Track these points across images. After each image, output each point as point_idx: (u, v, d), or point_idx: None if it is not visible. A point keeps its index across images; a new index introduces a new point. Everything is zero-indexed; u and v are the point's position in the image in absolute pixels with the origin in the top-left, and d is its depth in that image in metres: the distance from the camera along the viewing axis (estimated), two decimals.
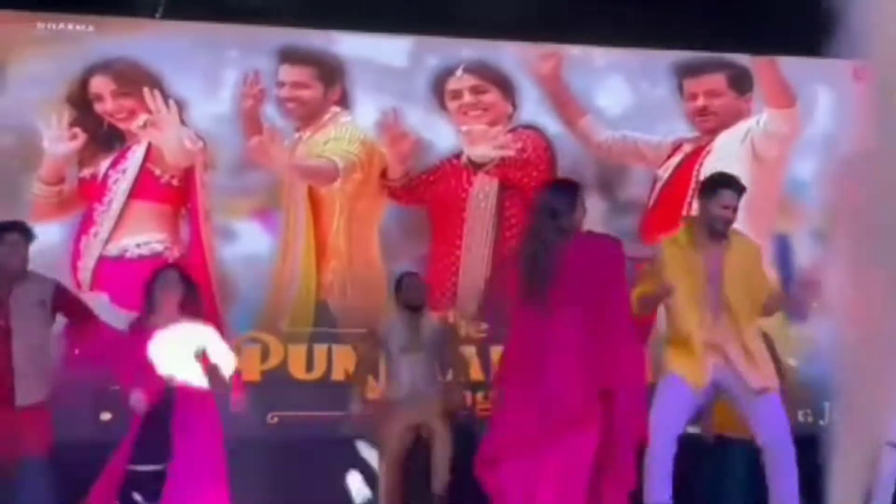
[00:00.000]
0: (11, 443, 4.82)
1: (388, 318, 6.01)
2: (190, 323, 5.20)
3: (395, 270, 6.68)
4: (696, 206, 5.11)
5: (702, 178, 5.18)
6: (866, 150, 7.43)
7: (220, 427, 5.23)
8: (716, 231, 4.76)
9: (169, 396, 5.10)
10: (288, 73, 6.98)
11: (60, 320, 5.30)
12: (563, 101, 7.34)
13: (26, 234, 5.07)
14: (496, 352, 6.82)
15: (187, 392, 5.09)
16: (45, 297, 5.03)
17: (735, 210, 4.78)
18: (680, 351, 4.61)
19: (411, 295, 5.97)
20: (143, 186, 6.72)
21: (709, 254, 4.68)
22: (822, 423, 6.97)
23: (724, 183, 4.87)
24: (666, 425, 4.49)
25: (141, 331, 5.20)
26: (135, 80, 6.76)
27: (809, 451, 5.81)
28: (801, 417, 6.87)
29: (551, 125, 7.30)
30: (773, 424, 4.63)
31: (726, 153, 7.45)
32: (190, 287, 5.40)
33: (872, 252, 7.37)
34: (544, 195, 4.62)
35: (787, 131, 7.57)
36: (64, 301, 5.18)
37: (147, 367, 5.06)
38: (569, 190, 4.63)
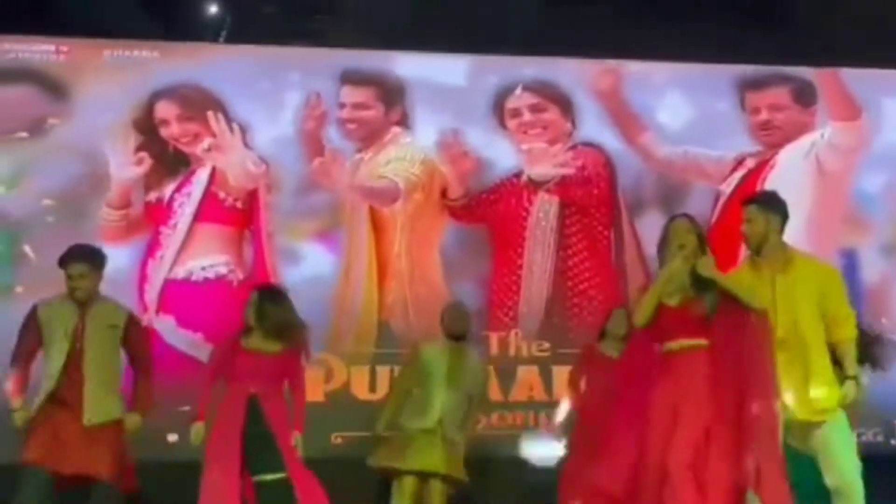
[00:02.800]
0: (81, 459, 4.87)
1: (432, 347, 5.75)
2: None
3: (456, 289, 6.70)
4: None
5: None
6: None
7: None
8: (748, 249, 4.65)
9: (254, 406, 5.15)
10: (349, 94, 7.05)
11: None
12: (623, 118, 7.31)
13: (94, 261, 5.08)
14: (558, 371, 6.82)
15: (271, 404, 5.17)
16: (118, 322, 5.08)
17: (759, 224, 4.55)
18: None
19: (453, 325, 5.71)
20: (208, 209, 6.82)
21: (775, 279, 4.55)
22: (893, 442, 6.86)
23: (748, 199, 4.75)
24: None
25: (234, 347, 5.24)
26: (199, 104, 6.88)
27: (881, 471, 5.80)
28: (871, 437, 6.76)
29: (611, 142, 7.27)
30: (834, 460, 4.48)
31: (790, 167, 7.36)
32: None
33: None
34: None
35: (853, 144, 7.46)
36: (134, 334, 5.16)
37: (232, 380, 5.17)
38: None
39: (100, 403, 4.91)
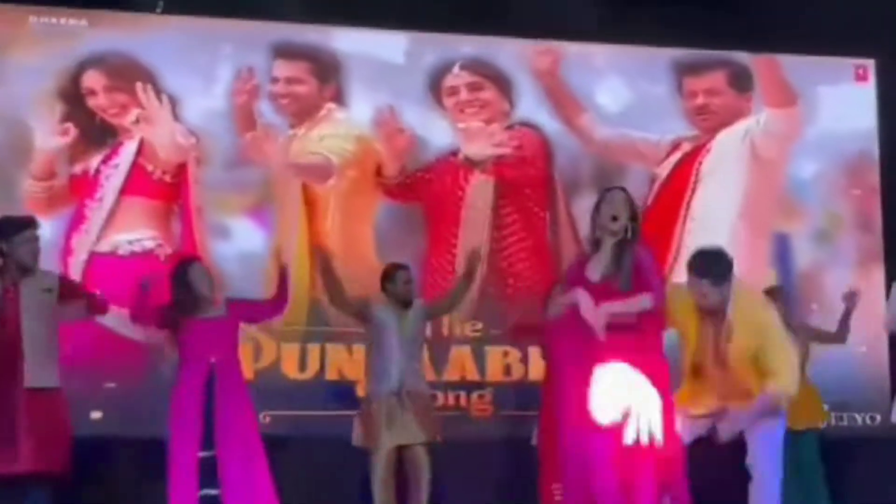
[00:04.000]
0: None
1: (377, 311, 5.76)
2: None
3: None
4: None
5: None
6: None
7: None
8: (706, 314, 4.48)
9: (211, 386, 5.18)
10: (282, 68, 6.92)
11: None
12: (562, 99, 7.28)
13: (38, 228, 5.12)
14: (491, 351, 6.79)
15: (226, 379, 5.19)
16: (52, 286, 5.05)
17: (716, 296, 4.36)
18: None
19: (405, 290, 5.77)
20: (136, 182, 6.65)
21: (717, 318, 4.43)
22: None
23: (696, 271, 4.43)
24: None
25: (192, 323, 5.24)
26: (128, 74, 6.70)
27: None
28: None
29: (549, 123, 7.23)
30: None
31: (725, 152, 7.42)
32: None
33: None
34: None
35: (788, 131, 7.52)
36: (69, 287, 5.22)
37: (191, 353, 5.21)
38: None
39: (38, 370, 4.87)
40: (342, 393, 6.51)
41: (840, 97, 7.59)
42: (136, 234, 6.60)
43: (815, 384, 6.11)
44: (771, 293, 5.69)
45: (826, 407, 6.58)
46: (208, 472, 5.07)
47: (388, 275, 5.83)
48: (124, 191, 6.63)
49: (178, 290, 5.29)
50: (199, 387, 5.15)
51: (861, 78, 7.69)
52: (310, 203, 6.83)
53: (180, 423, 5.13)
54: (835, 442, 6.57)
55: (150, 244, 6.60)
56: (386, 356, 5.64)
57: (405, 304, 5.74)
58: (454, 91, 7.12)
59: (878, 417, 6.96)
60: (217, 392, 5.15)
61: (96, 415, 6.30)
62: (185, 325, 5.24)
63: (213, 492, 5.06)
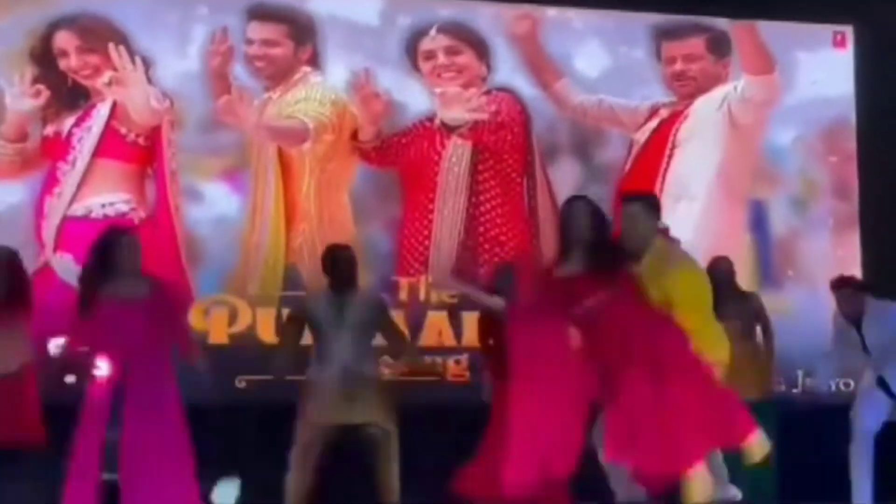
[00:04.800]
0: None
1: (315, 295, 5.63)
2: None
3: (366, 233, 6.62)
4: None
5: None
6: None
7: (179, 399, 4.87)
8: None
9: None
10: (257, 30, 6.83)
11: None
12: (539, 64, 7.24)
13: None
14: (467, 317, 6.77)
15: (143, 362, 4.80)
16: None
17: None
18: None
19: (345, 271, 5.44)
20: (109, 145, 6.56)
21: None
22: (795, 391, 6.98)
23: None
24: None
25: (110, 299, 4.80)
26: (100, 35, 6.60)
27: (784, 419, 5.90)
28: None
29: (526, 88, 7.19)
30: None
31: (703, 118, 7.40)
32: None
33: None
34: None
35: (765, 97, 7.51)
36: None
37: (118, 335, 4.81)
38: None
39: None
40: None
41: (818, 63, 7.58)
42: (109, 197, 6.52)
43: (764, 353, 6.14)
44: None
45: (800, 373, 6.65)
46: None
47: (330, 257, 5.51)
48: (97, 153, 6.54)
49: (95, 262, 4.87)
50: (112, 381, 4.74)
51: (839, 44, 7.68)
52: (285, 167, 6.77)
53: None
54: (808, 408, 6.64)
55: (123, 208, 6.52)
56: (328, 341, 5.37)
57: (347, 286, 5.45)
58: (431, 55, 7.06)
59: (852, 383, 6.99)
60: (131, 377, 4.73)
61: (70, 379, 6.25)
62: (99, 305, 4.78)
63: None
